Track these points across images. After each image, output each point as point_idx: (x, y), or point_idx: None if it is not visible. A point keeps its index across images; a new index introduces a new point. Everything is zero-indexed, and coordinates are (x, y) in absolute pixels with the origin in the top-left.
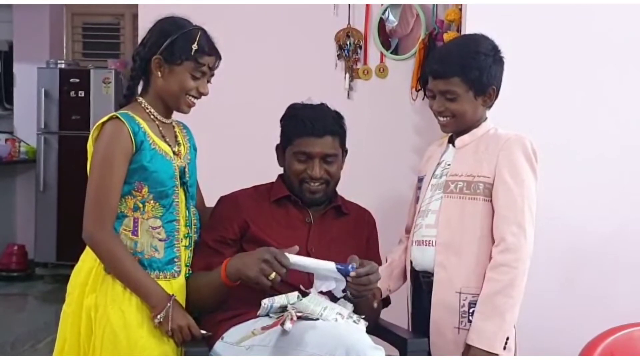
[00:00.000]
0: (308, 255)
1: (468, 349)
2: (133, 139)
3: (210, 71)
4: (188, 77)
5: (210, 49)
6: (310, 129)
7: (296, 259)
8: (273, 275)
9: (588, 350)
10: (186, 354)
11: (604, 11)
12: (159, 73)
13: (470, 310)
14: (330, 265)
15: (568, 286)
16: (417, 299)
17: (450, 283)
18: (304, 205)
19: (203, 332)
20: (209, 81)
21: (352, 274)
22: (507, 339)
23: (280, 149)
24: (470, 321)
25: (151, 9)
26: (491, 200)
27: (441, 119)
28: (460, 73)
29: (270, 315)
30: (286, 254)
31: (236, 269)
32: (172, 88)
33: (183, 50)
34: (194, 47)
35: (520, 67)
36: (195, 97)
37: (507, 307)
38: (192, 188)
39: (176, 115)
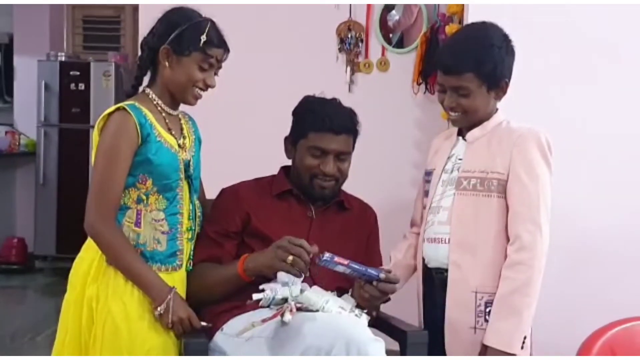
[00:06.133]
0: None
1: (485, 349)
2: (139, 131)
3: (218, 63)
4: (196, 68)
5: (219, 41)
6: (329, 125)
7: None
8: (290, 258)
9: (588, 344)
10: (185, 345)
11: (610, 2)
12: (167, 63)
13: (487, 310)
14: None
15: (569, 281)
16: (429, 296)
17: (465, 282)
18: (306, 199)
19: (203, 323)
20: (216, 73)
21: (382, 275)
22: (525, 338)
23: (290, 141)
24: (486, 321)
25: (152, 2)
26: (505, 197)
27: (451, 113)
28: (474, 69)
29: (272, 307)
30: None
31: (254, 263)
32: (179, 79)
33: (192, 41)
34: (203, 38)
35: (521, 60)
36: (202, 89)
37: (524, 306)
38: (196, 181)
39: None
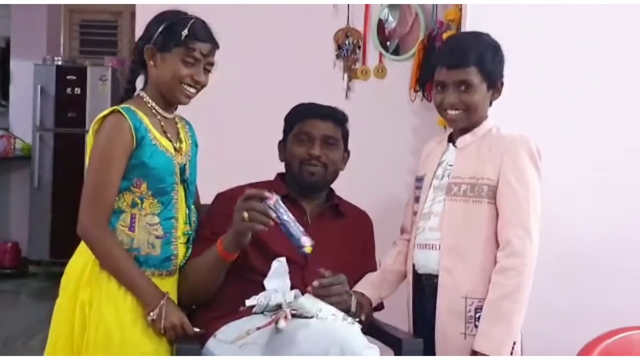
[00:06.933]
0: (305, 259)
1: (475, 355)
2: (134, 135)
3: (204, 58)
4: (179, 63)
5: (203, 35)
6: (314, 111)
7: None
8: (246, 214)
9: (584, 353)
10: (177, 351)
11: (605, 11)
12: (152, 62)
13: (477, 316)
14: None
15: (564, 289)
16: (419, 303)
17: (456, 288)
18: (301, 204)
19: (196, 329)
20: (209, 71)
21: (315, 283)
22: (514, 343)
23: (282, 143)
24: (476, 326)
25: (149, 7)
26: (495, 203)
27: (452, 112)
28: (477, 62)
29: (265, 313)
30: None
31: (227, 237)
32: (165, 76)
33: (173, 36)
34: (184, 32)
35: (519, 68)
36: (191, 86)
37: (514, 311)
38: (192, 185)
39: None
